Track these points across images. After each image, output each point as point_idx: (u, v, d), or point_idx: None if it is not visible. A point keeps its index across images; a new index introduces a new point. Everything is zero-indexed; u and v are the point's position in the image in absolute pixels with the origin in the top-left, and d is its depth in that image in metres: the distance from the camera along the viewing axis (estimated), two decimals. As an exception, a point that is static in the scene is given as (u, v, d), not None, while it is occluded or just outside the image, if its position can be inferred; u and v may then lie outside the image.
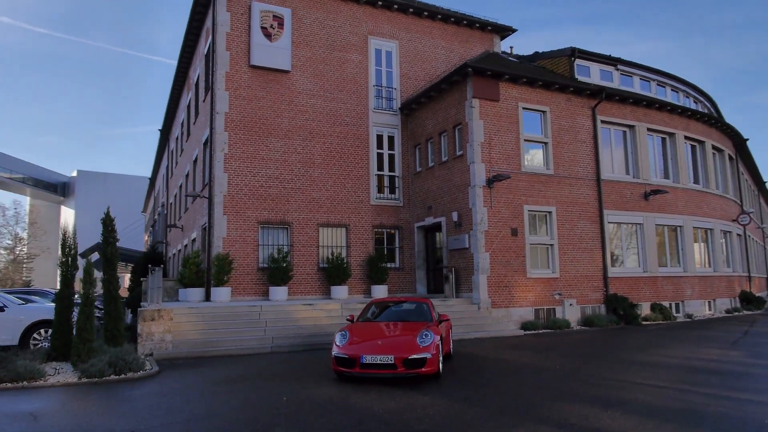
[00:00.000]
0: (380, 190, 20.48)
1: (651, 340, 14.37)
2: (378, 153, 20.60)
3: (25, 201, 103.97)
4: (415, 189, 20.63)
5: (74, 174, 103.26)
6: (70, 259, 10.48)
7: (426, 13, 21.83)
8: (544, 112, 18.71)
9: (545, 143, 18.58)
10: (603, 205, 19.17)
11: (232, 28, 18.72)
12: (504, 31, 23.65)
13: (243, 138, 18.40)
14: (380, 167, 20.60)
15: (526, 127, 18.37)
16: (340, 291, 18.33)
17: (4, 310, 11.30)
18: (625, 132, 20.62)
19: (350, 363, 8.51)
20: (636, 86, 22.08)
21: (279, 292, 17.45)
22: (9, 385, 8.43)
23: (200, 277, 17.46)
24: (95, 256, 58.58)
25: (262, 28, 18.92)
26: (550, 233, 18.16)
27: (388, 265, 20.12)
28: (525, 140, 18.23)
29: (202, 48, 20.98)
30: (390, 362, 8.36)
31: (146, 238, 60.33)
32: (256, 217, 18.28)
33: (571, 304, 17.88)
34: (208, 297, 17.14)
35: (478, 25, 22.91)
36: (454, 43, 22.52)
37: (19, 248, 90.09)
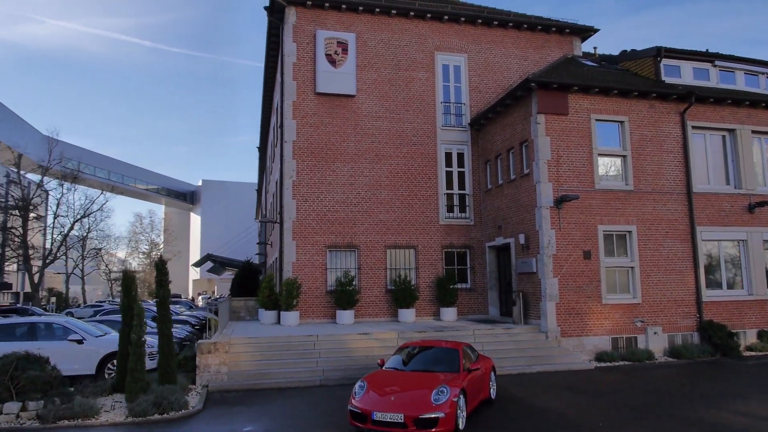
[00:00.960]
0: (450, 209, 20.07)
1: (756, 380, 12.70)
2: (447, 171, 20.21)
3: (160, 209, 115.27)
4: (486, 207, 19.97)
5: (200, 183, 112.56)
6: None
7: (496, 23, 21.01)
8: (621, 122, 17.23)
9: (623, 156, 17.10)
10: (695, 220, 17.24)
11: (298, 58, 19.34)
12: (584, 32, 22.08)
13: (310, 164, 18.96)
14: (449, 186, 20.19)
15: (601, 141, 17.04)
16: (407, 314, 18.28)
17: (82, 343, 12.67)
18: (723, 137, 18.38)
19: (363, 418, 8.46)
20: (740, 83, 19.53)
21: (345, 316, 17.79)
22: (65, 422, 9.42)
23: (273, 300, 18.29)
24: (208, 265, 63.17)
25: (327, 55, 19.33)
26: (630, 255, 16.69)
27: (459, 285, 19.68)
28: (599, 154, 16.91)
29: (279, 76, 21.89)
30: (400, 421, 8.18)
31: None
32: (324, 242, 18.75)
33: (655, 333, 16.31)
34: (280, 319, 17.91)
35: (554, 29, 21.62)
36: (529, 50, 21.44)
37: (155, 253, 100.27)
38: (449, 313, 18.69)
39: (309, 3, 19.39)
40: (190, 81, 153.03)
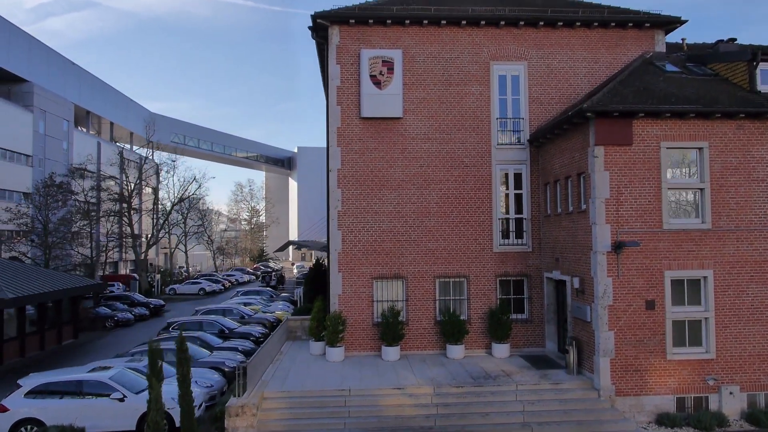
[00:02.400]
0: (505, 235, 18.77)
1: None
2: (503, 194, 18.81)
3: (259, 178, 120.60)
4: (545, 233, 18.42)
5: (296, 150, 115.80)
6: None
7: (561, 23, 18.76)
8: (700, 149, 14.87)
9: (700, 189, 14.83)
10: (790, 260, 14.74)
11: (342, 81, 18.57)
12: (668, 25, 19.15)
13: (356, 193, 18.43)
14: (505, 210, 18.82)
15: (673, 172, 14.88)
16: (456, 350, 17.61)
17: (123, 401, 13.46)
18: (835, 158, 15.32)
19: None
20: None
21: (390, 353, 17.49)
22: None
23: (321, 331, 18.35)
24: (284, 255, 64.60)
25: (371, 76, 18.37)
26: (704, 303, 14.68)
27: (516, 316, 18.58)
28: (669, 188, 14.78)
29: (325, 99, 21.27)
30: None
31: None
32: (371, 273, 18.37)
33: (731, 393, 14.40)
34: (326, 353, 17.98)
35: (631, 24, 18.93)
36: (600, 51, 19.01)
37: (255, 219, 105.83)
38: (501, 350, 17.75)
39: (352, 21, 18.40)
40: (288, 37, 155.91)
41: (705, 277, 14.68)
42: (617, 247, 14.31)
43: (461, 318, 18.02)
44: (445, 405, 13.97)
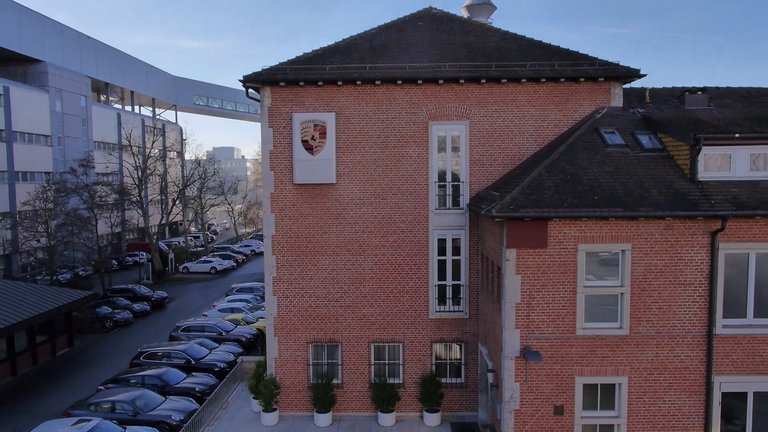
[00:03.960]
0: (441, 301, 18.45)
1: None
2: (440, 260, 18.34)
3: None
4: (481, 303, 18.01)
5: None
6: None
7: (505, 80, 17.51)
8: (622, 251, 13.99)
9: (620, 293, 14.07)
10: (713, 368, 14.01)
11: (275, 145, 18.13)
12: (627, 78, 17.62)
13: (291, 259, 18.37)
14: (442, 276, 18.39)
15: (591, 275, 14.11)
16: (386, 419, 17.90)
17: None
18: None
19: None
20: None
21: (321, 419, 17.95)
22: None
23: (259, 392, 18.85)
24: None
25: (303, 141, 17.84)
26: (617, 409, 14.27)
27: (452, 380, 18.58)
28: (586, 292, 14.09)
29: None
30: None
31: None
32: (306, 337, 18.56)
33: (639, 500, 14.19)
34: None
35: (583, 79, 17.50)
36: (550, 107, 17.76)
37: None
38: (432, 419, 17.91)
39: (282, 84, 17.70)
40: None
41: (619, 384, 14.18)
42: (524, 355, 13.92)
43: (393, 385, 18.15)
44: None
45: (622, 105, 17.81)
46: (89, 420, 17.68)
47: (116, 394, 20.05)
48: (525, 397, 14.19)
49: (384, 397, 17.83)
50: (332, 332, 18.51)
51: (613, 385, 14.27)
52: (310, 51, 19.01)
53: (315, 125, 17.80)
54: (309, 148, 17.84)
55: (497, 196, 14.83)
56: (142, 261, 58.61)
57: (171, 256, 55.66)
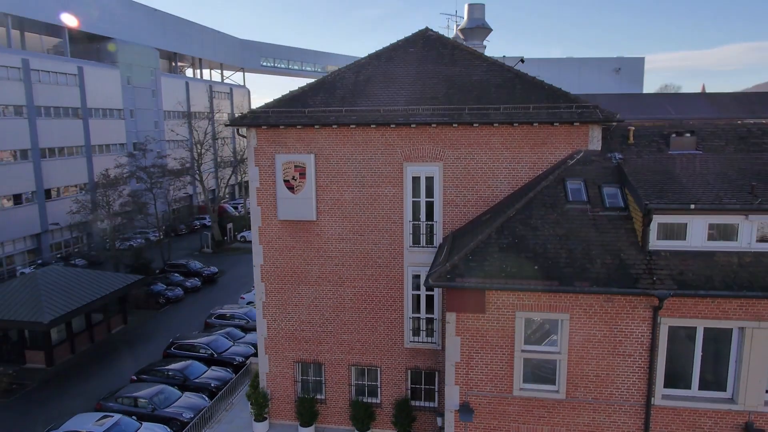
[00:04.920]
0: (416, 333, 19.42)
1: None
2: (414, 294, 19.17)
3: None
4: (452, 336, 18.80)
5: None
6: None
7: (476, 124, 17.52)
8: (561, 320, 14.25)
9: (558, 360, 14.44)
10: (650, 437, 14.26)
11: (261, 183, 19.36)
12: (605, 122, 17.04)
13: (278, 287, 19.92)
14: (416, 309, 19.27)
15: (529, 338, 14.54)
16: (363, 436, 19.52)
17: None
18: (718, 334, 13.83)
19: None
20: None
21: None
22: None
23: (255, 402, 21.02)
24: None
25: (285, 180, 18.94)
26: (553, 464, 14.95)
27: (427, 404, 19.79)
28: (524, 356, 14.58)
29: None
30: None
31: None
32: (293, 357, 20.31)
33: None
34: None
35: (557, 123, 17.14)
36: (524, 150, 17.65)
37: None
38: (405, 442, 19.36)
39: (265, 126, 18.72)
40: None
41: (555, 443, 14.79)
42: (459, 411, 14.80)
43: (371, 404, 19.65)
44: None
45: (600, 148, 17.33)
46: (111, 416, 20.71)
47: (139, 390, 23.04)
48: (464, 446, 15.18)
49: (360, 416, 19.41)
50: (316, 354, 20.13)
51: (550, 442, 14.90)
52: (297, 88, 19.78)
53: (295, 166, 18.80)
54: (290, 187, 18.95)
55: (441, 261, 15.36)
56: (209, 224, 62.96)
57: (230, 226, 59.37)
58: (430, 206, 18.56)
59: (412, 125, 17.89)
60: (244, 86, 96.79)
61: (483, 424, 14.97)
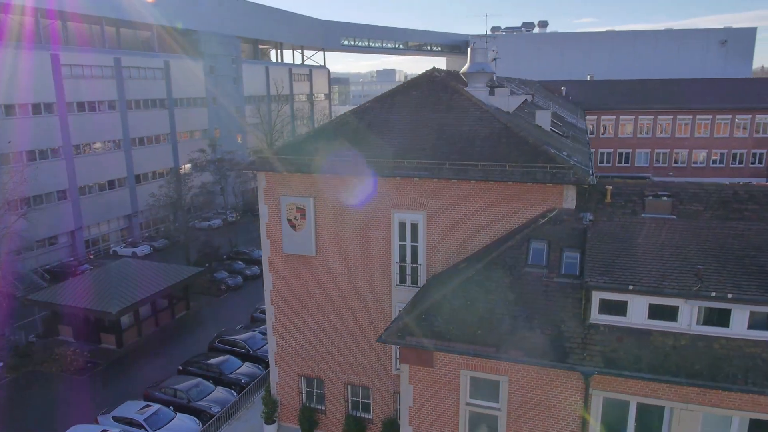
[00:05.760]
0: (402, 361, 21.21)
1: None
2: (401, 327, 20.88)
3: (440, 64, 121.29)
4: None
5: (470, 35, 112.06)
6: None
7: (455, 180, 18.61)
8: (501, 381, 15.50)
9: (496, 416, 15.77)
10: (582, 495, 15.35)
11: (270, 219, 21.71)
12: (578, 184, 17.50)
13: (285, 310, 22.44)
14: (402, 341, 20.99)
15: (473, 393, 15.96)
16: (354, 450, 21.91)
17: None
18: (651, 410, 14.44)
19: None
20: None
21: (305, 437, 22.60)
22: None
23: (268, 405, 23.98)
24: None
25: (288, 219, 21.15)
26: (495, 504, 16.47)
27: (412, 424, 21.69)
28: (471, 411, 16.04)
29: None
30: None
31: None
32: (298, 371, 22.91)
33: None
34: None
35: (530, 182, 17.84)
36: (501, 205, 18.56)
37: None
38: (388, 455, 21.50)
39: (271, 172, 20.93)
40: None
41: (496, 486, 16.25)
42: (412, 450, 16.63)
43: (363, 419, 21.91)
44: None
45: (574, 206, 17.85)
46: (151, 406, 24.60)
47: (180, 382, 26.85)
48: (417, 478, 17.05)
49: (351, 430, 21.75)
50: (317, 370, 22.58)
51: (492, 485, 16.38)
52: (304, 133, 21.68)
53: (297, 207, 20.92)
54: (293, 226, 21.14)
55: (400, 314, 16.96)
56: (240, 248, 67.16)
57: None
58: (415, 250, 20.03)
59: (397, 178, 19.29)
60: (324, 66, 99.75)
61: (433, 462, 16.72)
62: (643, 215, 17.28)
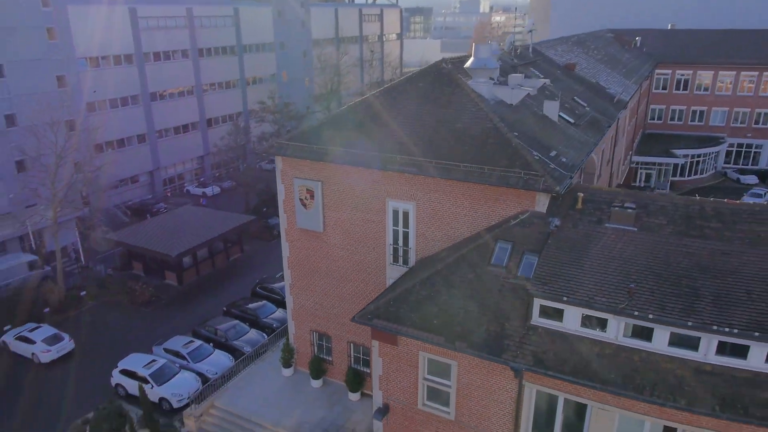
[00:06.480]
0: (395, 328, 23.98)
1: None
2: (394, 300, 23.52)
3: None
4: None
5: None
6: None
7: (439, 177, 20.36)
8: (451, 364, 17.92)
9: (448, 391, 18.31)
10: (516, 465, 17.87)
11: (285, 196, 24.55)
12: (546, 192, 18.74)
13: (299, 274, 25.68)
14: (395, 311, 23.67)
15: (431, 371, 18.52)
16: (354, 396, 25.38)
17: (153, 388, 26.24)
18: (574, 404, 16.38)
19: None
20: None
21: (314, 383, 26.31)
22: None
23: (287, 349, 27.90)
24: None
25: (300, 199, 23.89)
26: (447, 462, 19.39)
27: (404, 381, 24.80)
28: (426, 384, 18.67)
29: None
30: None
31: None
32: (310, 326, 26.40)
33: None
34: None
35: (504, 186, 19.28)
36: (480, 203, 20.20)
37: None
38: (380, 405, 24.80)
39: (287, 156, 23.53)
40: None
41: (448, 448, 19.09)
42: (377, 412, 19.68)
43: (363, 372, 25.24)
44: (288, 450, 23.15)
45: (545, 210, 19.19)
46: (194, 342, 29.29)
47: (221, 323, 31.37)
48: (386, 432, 20.23)
49: (351, 380, 25.18)
50: (325, 328, 25.95)
51: (445, 447, 19.24)
52: (315, 122, 23.90)
53: (307, 189, 23.55)
54: (303, 205, 23.88)
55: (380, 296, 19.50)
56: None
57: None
58: (406, 235, 22.23)
59: (390, 172, 21.29)
60: (396, 4, 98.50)
61: (398, 423, 19.74)
62: (606, 225, 18.38)
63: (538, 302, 16.55)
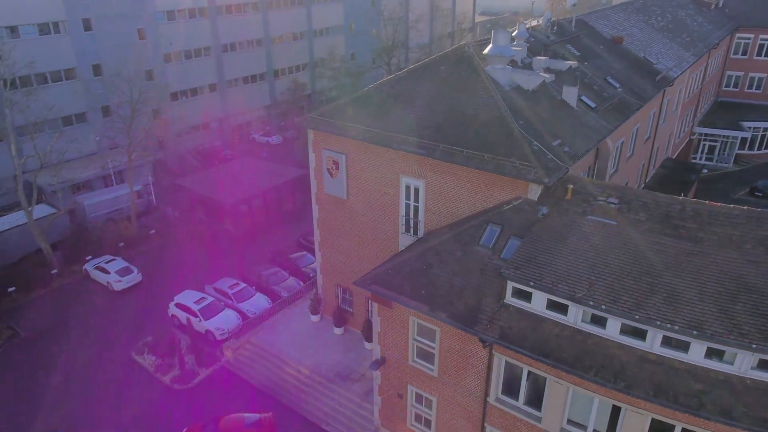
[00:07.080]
0: (405, 290, 26.65)
1: None
2: (405, 265, 26.05)
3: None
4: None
5: None
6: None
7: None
8: (435, 330, 20.43)
9: (433, 353, 20.92)
10: (486, 420, 20.45)
11: (316, 164, 27.27)
12: (536, 182, 20.24)
13: (327, 234, 28.71)
14: (406, 275, 26.25)
15: (419, 333, 21.16)
16: (369, 345, 28.65)
17: (201, 321, 30.67)
18: (536, 375, 18.52)
19: None
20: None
21: (337, 330, 29.82)
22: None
23: (315, 298, 31.41)
24: None
25: (327, 168, 26.53)
26: (432, 411, 22.26)
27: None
28: (416, 344, 21.37)
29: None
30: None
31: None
32: (334, 280, 29.63)
33: (438, 461, 22.86)
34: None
35: (499, 174, 20.92)
36: (480, 187, 22.00)
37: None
38: (390, 355, 27.93)
39: (317, 130, 26.07)
40: None
41: (431, 401, 21.92)
42: (373, 364, 22.70)
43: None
44: (307, 385, 26.92)
45: (536, 199, 20.74)
46: (239, 284, 33.41)
47: (264, 270, 35.28)
48: (383, 381, 23.31)
49: (368, 331, 28.37)
50: (347, 283, 29.02)
51: (430, 399, 22.08)
52: (342, 100, 26.14)
53: (333, 160, 26.10)
54: (330, 173, 26.53)
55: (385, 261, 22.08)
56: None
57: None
58: (416, 209, 24.45)
59: (402, 152, 23.35)
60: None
61: (392, 375, 22.74)
62: (589, 217, 19.74)
63: (510, 284, 18.54)
